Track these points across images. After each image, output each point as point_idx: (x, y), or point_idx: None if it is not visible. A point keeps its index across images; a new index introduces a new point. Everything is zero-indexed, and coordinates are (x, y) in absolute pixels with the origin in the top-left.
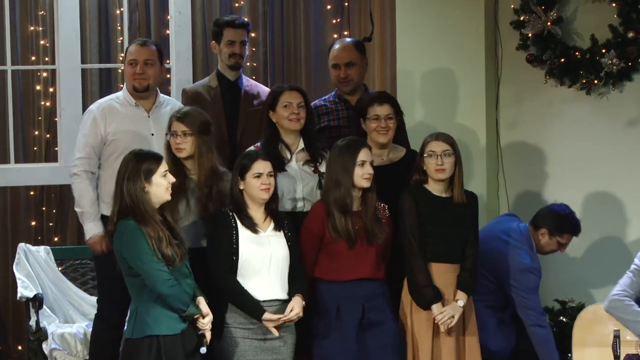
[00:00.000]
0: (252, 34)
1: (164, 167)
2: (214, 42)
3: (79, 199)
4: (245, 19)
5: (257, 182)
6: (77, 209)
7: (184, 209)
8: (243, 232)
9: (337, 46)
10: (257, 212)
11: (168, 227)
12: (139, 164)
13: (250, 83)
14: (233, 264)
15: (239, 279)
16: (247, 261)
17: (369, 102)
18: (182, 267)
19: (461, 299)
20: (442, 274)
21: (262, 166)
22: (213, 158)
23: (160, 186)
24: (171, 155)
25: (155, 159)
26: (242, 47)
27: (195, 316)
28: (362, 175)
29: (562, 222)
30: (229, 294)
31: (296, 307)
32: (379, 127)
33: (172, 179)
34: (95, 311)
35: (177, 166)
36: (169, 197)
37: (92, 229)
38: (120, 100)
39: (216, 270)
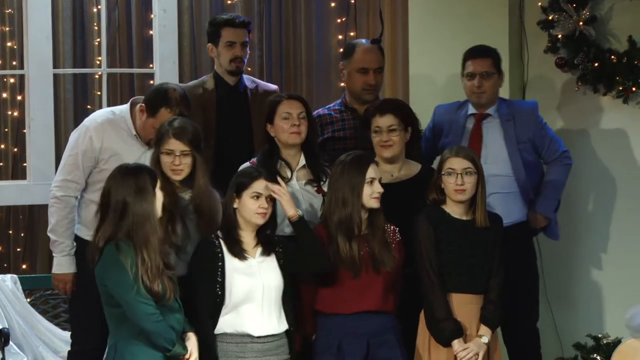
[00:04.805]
0: None
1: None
2: (210, 44)
3: (56, 226)
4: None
5: (253, 205)
6: (50, 235)
7: (181, 234)
8: (230, 262)
9: (361, 48)
10: (248, 237)
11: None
12: (138, 179)
13: (253, 84)
14: (219, 299)
15: (229, 315)
16: (236, 294)
17: (372, 113)
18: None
19: (485, 335)
20: (464, 305)
21: (262, 187)
22: (207, 175)
23: (159, 201)
24: (160, 171)
25: (149, 171)
26: (244, 49)
27: (181, 357)
28: (371, 195)
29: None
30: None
31: None
32: (381, 140)
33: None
34: (68, 348)
35: (166, 183)
36: (160, 214)
37: (64, 267)
38: (125, 122)
39: (195, 312)
